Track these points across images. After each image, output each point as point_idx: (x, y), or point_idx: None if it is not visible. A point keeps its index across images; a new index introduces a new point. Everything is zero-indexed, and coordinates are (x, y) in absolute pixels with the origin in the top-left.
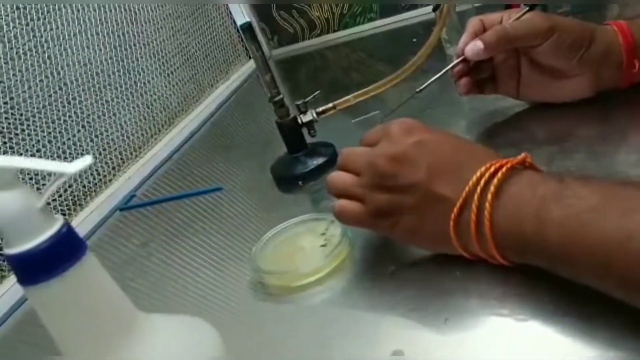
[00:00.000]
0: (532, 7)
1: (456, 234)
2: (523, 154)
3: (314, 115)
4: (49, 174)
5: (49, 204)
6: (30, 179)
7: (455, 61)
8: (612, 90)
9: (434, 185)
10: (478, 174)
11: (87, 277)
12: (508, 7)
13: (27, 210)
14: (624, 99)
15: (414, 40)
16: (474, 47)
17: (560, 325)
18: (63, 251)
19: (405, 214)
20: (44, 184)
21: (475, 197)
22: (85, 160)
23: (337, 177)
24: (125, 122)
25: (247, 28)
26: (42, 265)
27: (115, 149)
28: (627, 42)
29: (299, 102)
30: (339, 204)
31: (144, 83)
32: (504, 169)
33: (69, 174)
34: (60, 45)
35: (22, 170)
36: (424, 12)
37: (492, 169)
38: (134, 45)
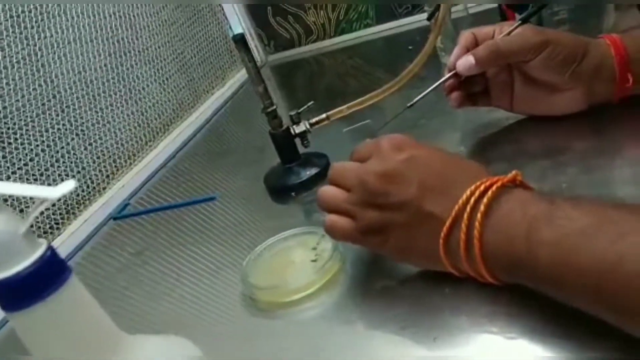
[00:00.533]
0: (524, 21)
1: (446, 252)
2: (514, 172)
3: (307, 126)
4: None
5: (42, 213)
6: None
7: (447, 75)
8: (606, 103)
9: (425, 202)
10: (468, 192)
11: (70, 301)
12: (503, 18)
13: (10, 236)
14: (617, 112)
15: (410, 47)
16: (465, 62)
17: (549, 344)
18: (47, 275)
19: (396, 231)
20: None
21: (465, 216)
22: (69, 185)
23: (327, 192)
24: (119, 129)
25: (240, 39)
26: (26, 290)
27: (110, 156)
28: (620, 56)
29: (292, 113)
30: (330, 219)
31: (139, 90)
32: (494, 188)
33: (52, 199)
34: (55, 53)
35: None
36: (420, 19)
37: (482, 187)
38: (129, 52)
